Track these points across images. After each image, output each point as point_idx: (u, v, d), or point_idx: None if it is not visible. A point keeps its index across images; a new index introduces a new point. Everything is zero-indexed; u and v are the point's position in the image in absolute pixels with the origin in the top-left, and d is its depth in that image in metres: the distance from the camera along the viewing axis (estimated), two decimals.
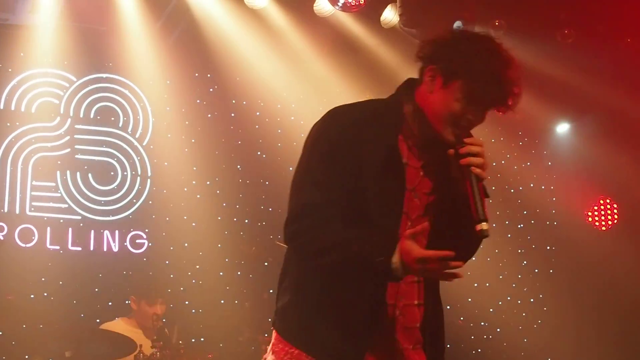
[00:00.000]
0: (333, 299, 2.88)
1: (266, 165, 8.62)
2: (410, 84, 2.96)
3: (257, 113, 8.71)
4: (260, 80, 8.35)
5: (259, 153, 8.70)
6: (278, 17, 7.78)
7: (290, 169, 8.57)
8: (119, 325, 6.79)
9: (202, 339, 7.80)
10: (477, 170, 2.77)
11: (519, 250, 9.43)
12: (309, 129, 2.97)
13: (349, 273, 2.83)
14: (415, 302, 2.96)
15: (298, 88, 8.57)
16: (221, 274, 8.22)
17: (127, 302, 6.95)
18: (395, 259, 2.69)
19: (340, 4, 7.44)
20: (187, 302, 7.18)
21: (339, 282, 2.86)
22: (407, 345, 2.94)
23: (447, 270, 2.70)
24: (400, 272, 2.70)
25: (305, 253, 2.88)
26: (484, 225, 2.75)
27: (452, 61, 2.81)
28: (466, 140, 2.82)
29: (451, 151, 2.82)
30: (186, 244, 8.23)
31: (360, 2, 7.46)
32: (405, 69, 8.53)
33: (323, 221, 2.82)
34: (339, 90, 8.62)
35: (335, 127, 2.90)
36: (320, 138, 2.91)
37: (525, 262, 9.41)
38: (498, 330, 9.18)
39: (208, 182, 8.44)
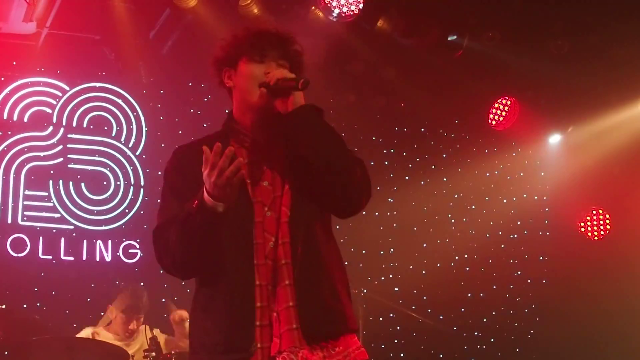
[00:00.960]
0: (210, 302, 3.01)
1: None
2: (228, 112, 3.29)
3: None
4: None
5: None
6: (273, 25, 7.67)
7: None
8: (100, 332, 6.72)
9: None
10: (279, 75, 3.03)
11: (512, 261, 9.39)
12: None
13: (193, 244, 2.92)
14: (283, 261, 3.00)
15: None
16: None
17: (102, 313, 6.85)
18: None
19: (334, 14, 7.39)
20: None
21: (211, 288, 3.00)
22: (279, 307, 2.96)
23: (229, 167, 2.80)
24: (210, 198, 2.83)
25: (162, 265, 3.06)
26: (300, 81, 3.00)
27: (224, 57, 3.21)
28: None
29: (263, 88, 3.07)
30: None
31: (355, 12, 7.41)
32: (400, 78, 8.54)
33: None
34: (333, 100, 8.59)
35: (170, 161, 3.24)
36: (163, 175, 3.24)
37: (518, 272, 9.38)
38: (492, 340, 9.12)
39: None
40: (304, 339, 2.94)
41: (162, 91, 8.48)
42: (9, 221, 7.72)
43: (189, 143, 3.27)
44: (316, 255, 3.06)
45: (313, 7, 7.51)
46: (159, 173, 8.07)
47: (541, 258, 9.44)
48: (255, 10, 7.59)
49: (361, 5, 7.38)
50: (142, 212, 8.22)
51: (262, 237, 2.99)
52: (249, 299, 2.92)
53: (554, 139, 9.37)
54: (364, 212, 8.52)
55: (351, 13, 7.41)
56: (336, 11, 7.39)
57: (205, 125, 8.44)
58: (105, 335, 6.66)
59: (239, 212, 2.95)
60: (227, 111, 3.27)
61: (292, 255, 2.99)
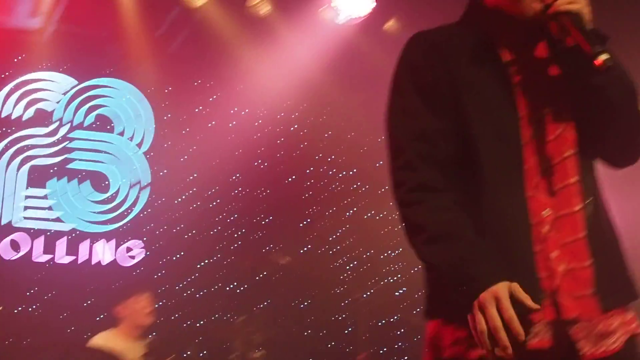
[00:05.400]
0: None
1: (266, 175, 8.17)
2: (472, 2, 2.45)
3: (258, 122, 8.27)
4: (262, 89, 7.91)
5: (258, 163, 8.26)
6: (282, 25, 7.35)
7: (291, 179, 8.12)
8: (107, 338, 6.30)
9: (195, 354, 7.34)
10: (569, 7, 2.22)
11: None
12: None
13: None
14: (577, 207, 2.26)
15: (300, 97, 8.10)
16: (217, 286, 7.79)
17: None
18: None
19: (342, 18, 7.11)
20: (178, 314, 6.70)
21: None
22: (570, 264, 2.25)
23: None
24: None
25: (404, 215, 2.26)
26: (602, 57, 2.13)
27: None
28: None
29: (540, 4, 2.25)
30: (180, 254, 7.76)
31: (362, 16, 7.15)
32: None
33: (426, 175, 2.23)
34: (342, 99, 8.21)
35: (413, 49, 2.36)
36: (401, 69, 2.36)
37: None
38: None
39: (209, 192, 8.00)
40: (601, 308, 2.25)
41: (169, 89, 8.11)
42: (8, 220, 7.27)
43: (430, 31, 2.41)
44: (602, 203, 2.39)
45: (321, 9, 7.19)
46: (163, 172, 7.87)
47: None
48: (263, 11, 7.29)
49: (369, 9, 7.09)
50: (147, 211, 7.80)
51: (529, 162, 2.28)
52: (525, 238, 2.21)
53: None
54: (369, 214, 8.18)
55: (358, 16, 7.14)
56: (343, 14, 7.10)
57: (210, 124, 8.10)
58: (113, 341, 6.27)
59: (505, 156, 2.26)
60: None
61: (586, 197, 2.29)
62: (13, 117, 7.53)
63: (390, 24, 7.48)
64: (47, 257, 7.34)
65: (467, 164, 2.26)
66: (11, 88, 7.54)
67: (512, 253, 2.19)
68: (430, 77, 2.31)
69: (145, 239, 7.72)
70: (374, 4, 7.13)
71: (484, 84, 2.29)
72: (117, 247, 7.58)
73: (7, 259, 7.17)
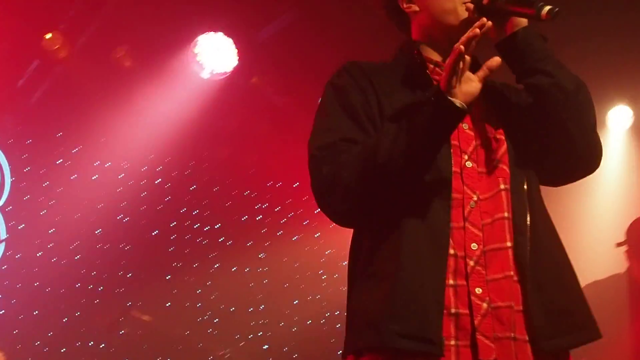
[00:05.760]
0: (385, 270, 2.19)
1: (128, 230, 8.00)
2: (403, 41, 2.56)
3: (121, 175, 8.13)
4: (125, 142, 7.78)
5: (121, 216, 8.10)
6: (146, 78, 7.29)
7: (154, 233, 8.01)
8: None
9: None
10: None
11: None
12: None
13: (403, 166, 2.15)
14: (507, 243, 2.19)
15: (164, 151, 8.02)
16: (78, 344, 7.52)
17: None
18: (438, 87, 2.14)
19: (206, 72, 7.13)
20: None
21: (386, 246, 2.20)
22: (494, 302, 2.16)
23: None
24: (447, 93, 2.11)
25: (333, 187, 2.31)
26: (546, 8, 2.17)
27: None
28: None
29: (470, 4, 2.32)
30: (38, 311, 7.49)
31: (227, 71, 7.18)
32: (273, 134, 8.21)
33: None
34: (206, 154, 8.17)
35: (341, 74, 2.43)
36: (330, 92, 2.43)
37: None
38: None
39: (70, 246, 7.76)
40: (529, 353, 2.14)
41: (29, 141, 7.88)
42: None
43: (361, 61, 2.49)
44: (548, 241, 2.26)
45: (186, 63, 7.19)
46: (22, 226, 7.61)
47: None
48: (128, 63, 7.22)
49: (233, 66, 7.14)
50: (3, 267, 7.50)
51: (461, 192, 2.23)
52: (438, 271, 2.12)
53: None
54: (234, 269, 8.16)
55: (223, 72, 7.17)
56: (208, 69, 7.11)
57: (72, 177, 7.91)
58: None
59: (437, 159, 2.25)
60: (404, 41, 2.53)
61: (517, 234, 2.19)
62: None
63: (254, 81, 7.56)
64: None
65: None
66: None
67: (423, 284, 2.12)
68: (360, 99, 2.34)
69: (0, 295, 7.42)
70: (236, 62, 7.17)
71: None
72: None
73: None
